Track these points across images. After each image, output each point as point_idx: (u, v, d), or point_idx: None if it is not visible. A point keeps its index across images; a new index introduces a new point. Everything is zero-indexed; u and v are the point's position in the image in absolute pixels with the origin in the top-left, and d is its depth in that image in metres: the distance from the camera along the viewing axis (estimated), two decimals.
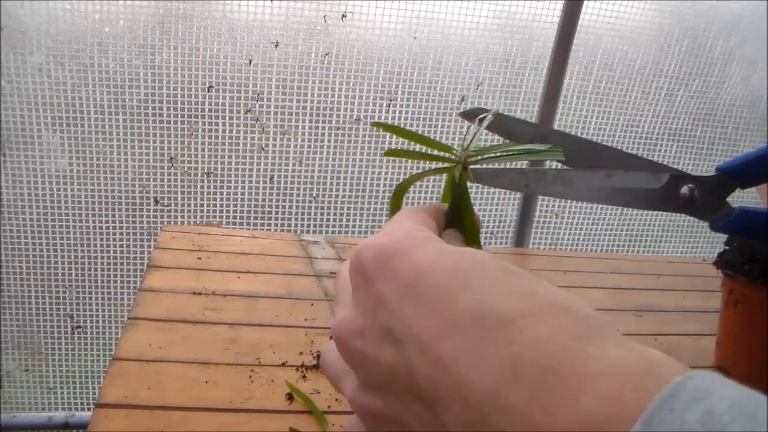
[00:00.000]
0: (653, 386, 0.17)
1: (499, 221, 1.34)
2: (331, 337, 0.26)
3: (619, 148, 1.36)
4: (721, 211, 0.31)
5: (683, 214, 0.32)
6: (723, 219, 0.31)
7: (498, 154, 0.29)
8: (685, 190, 0.32)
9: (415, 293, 0.23)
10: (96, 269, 1.20)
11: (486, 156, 0.29)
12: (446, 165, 0.30)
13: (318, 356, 0.55)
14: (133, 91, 1.11)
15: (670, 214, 0.36)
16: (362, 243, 0.25)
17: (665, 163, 0.33)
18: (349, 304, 0.26)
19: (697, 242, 1.49)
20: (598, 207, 1.41)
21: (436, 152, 0.30)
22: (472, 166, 0.30)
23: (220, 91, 1.14)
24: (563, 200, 1.38)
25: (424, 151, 0.30)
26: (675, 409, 0.16)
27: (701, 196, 0.31)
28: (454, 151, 0.30)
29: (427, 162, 0.31)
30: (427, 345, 0.21)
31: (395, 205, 0.32)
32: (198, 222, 1.21)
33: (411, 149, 0.31)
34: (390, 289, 0.23)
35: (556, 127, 1.26)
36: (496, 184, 0.31)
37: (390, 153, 0.30)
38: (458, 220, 0.31)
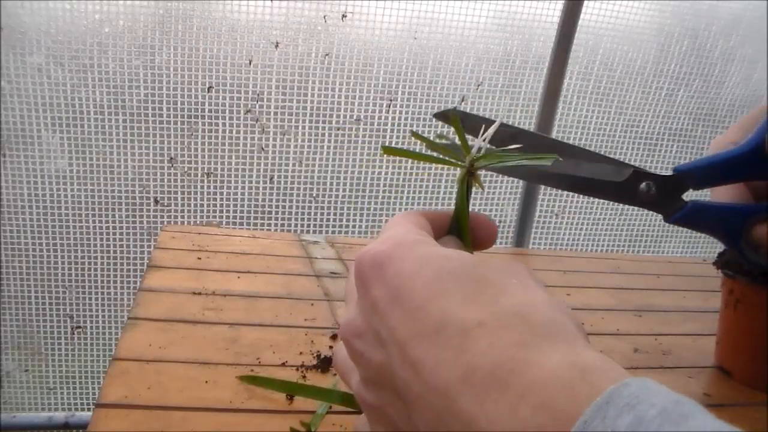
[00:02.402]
0: (584, 395, 0.18)
1: (499, 221, 1.34)
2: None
3: (616, 147, 1.36)
4: (675, 205, 0.33)
5: (642, 209, 0.34)
6: (676, 213, 0.33)
7: (504, 161, 0.29)
8: (643, 186, 0.34)
9: (398, 300, 0.24)
10: (96, 269, 1.20)
11: (492, 162, 0.30)
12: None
13: (318, 356, 0.56)
14: (133, 91, 1.11)
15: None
16: (362, 250, 0.27)
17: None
18: (354, 306, 0.28)
19: (697, 242, 1.49)
20: (598, 207, 1.41)
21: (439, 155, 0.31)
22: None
23: (220, 91, 1.14)
24: (563, 200, 1.38)
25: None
26: (608, 417, 0.17)
27: (657, 192, 0.33)
28: (461, 158, 0.30)
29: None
30: (404, 349, 0.23)
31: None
32: (198, 222, 1.21)
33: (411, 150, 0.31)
34: (381, 295, 0.25)
35: (556, 127, 1.26)
36: None
37: (388, 151, 0.30)
38: (456, 226, 0.31)
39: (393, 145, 1.25)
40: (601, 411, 0.17)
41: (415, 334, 0.23)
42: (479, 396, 0.20)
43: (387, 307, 0.24)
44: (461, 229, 0.31)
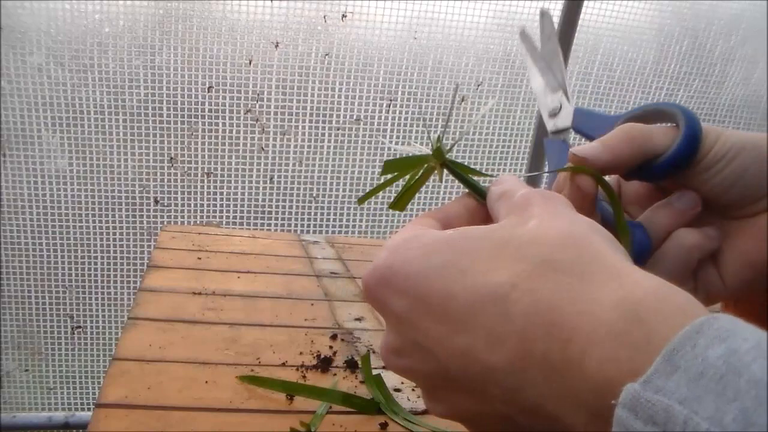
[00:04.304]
0: (644, 342, 0.18)
1: None
2: None
3: None
4: None
5: None
6: None
7: (462, 171, 0.34)
8: None
9: (421, 301, 0.24)
10: (96, 269, 1.20)
11: (456, 165, 0.34)
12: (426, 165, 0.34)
13: (318, 356, 0.55)
14: (133, 91, 1.11)
15: None
16: (365, 272, 0.27)
17: None
18: (386, 327, 0.28)
19: None
20: None
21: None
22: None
23: (220, 91, 1.14)
24: None
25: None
26: (698, 345, 0.17)
27: None
28: (429, 154, 0.34)
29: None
30: (449, 344, 0.23)
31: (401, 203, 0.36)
32: (198, 222, 1.21)
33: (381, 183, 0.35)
34: (401, 306, 0.25)
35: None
36: None
37: (361, 201, 0.36)
38: (476, 193, 0.32)
39: (393, 143, 1.25)
40: (690, 339, 0.17)
41: (454, 326, 0.23)
42: (545, 357, 0.20)
43: (413, 313, 0.24)
44: (477, 192, 0.32)
